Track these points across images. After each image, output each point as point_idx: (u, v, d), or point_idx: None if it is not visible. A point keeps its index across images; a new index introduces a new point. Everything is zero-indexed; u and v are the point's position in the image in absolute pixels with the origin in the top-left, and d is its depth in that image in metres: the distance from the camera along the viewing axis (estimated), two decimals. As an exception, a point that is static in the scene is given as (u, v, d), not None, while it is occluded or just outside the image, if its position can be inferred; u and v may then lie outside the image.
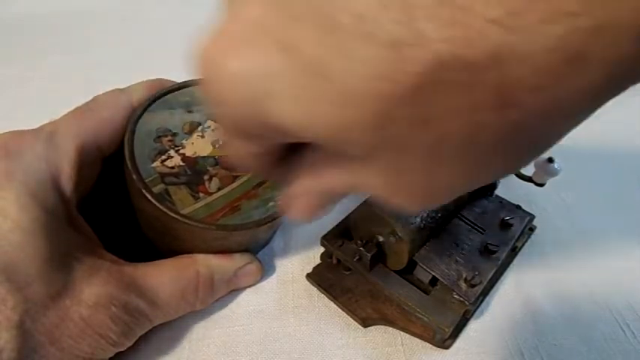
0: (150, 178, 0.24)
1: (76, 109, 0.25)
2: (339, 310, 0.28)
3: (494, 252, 0.27)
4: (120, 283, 0.22)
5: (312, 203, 0.17)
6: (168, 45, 0.55)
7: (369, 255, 0.26)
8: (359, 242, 0.27)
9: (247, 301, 0.28)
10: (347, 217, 0.30)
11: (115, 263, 0.23)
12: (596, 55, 0.10)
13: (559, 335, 0.26)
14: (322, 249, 0.30)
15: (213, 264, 0.26)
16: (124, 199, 0.26)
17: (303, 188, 0.17)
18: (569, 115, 0.12)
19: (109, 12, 0.63)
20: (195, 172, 0.25)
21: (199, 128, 0.27)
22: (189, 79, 0.28)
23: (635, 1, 0.09)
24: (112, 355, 0.23)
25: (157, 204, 0.23)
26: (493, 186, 0.31)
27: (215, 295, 0.27)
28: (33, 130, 0.23)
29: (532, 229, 0.32)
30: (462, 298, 0.25)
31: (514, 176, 0.27)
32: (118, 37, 0.58)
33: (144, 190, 0.23)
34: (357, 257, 0.27)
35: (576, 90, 0.11)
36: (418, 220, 0.26)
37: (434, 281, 0.26)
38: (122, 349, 0.23)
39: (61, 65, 0.52)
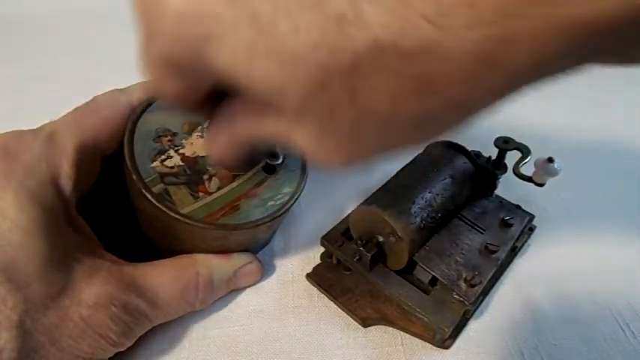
0: (149, 178, 0.24)
1: (76, 109, 0.25)
2: (339, 310, 0.28)
3: (494, 252, 0.27)
4: (120, 283, 0.22)
5: (232, 146, 0.18)
6: (168, 45, 0.55)
7: (369, 255, 0.26)
8: (359, 242, 0.26)
9: (247, 301, 0.28)
10: (347, 217, 0.30)
11: (115, 263, 0.23)
12: (504, 60, 0.12)
13: (559, 335, 0.26)
14: (322, 249, 0.30)
15: (213, 264, 0.26)
16: (123, 199, 0.26)
17: (227, 131, 0.17)
18: (477, 105, 0.14)
19: (109, 12, 0.63)
20: (194, 172, 0.25)
21: (199, 128, 0.27)
22: None
23: (530, 23, 0.11)
24: (112, 355, 0.23)
25: (157, 204, 0.23)
26: (493, 186, 0.31)
27: (215, 295, 0.27)
28: (33, 130, 0.23)
29: (532, 229, 0.32)
30: (461, 298, 0.25)
31: (514, 176, 0.27)
32: (118, 37, 0.57)
33: (144, 190, 0.23)
34: (357, 257, 0.27)
35: (485, 86, 0.13)
36: (418, 220, 0.26)
37: (434, 281, 0.26)
38: (122, 349, 0.23)
39: (61, 65, 0.52)
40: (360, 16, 0.11)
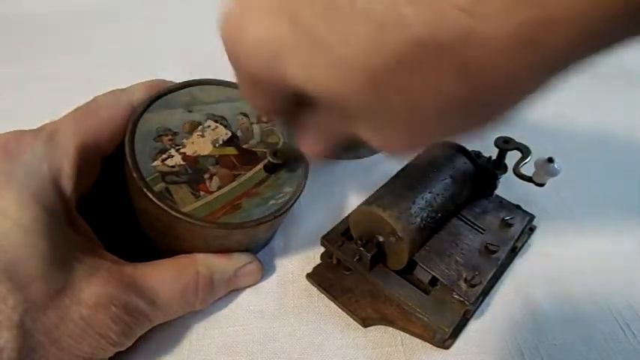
0: (150, 177, 0.24)
1: (76, 109, 0.25)
2: (339, 310, 0.28)
3: (495, 252, 0.27)
4: (120, 283, 0.22)
5: (319, 143, 0.20)
6: (168, 45, 0.55)
7: (369, 255, 0.26)
8: (359, 242, 0.26)
9: (247, 301, 0.28)
10: (347, 217, 0.30)
11: (115, 263, 0.23)
12: (545, 41, 0.12)
13: (559, 335, 0.26)
14: (322, 249, 0.30)
15: (213, 264, 0.26)
16: (124, 199, 0.26)
17: (311, 131, 0.20)
18: (522, 89, 0.14)
19: (109, 12, 0.63)
20: (195, 171, 0.25)
21: (199, 127, 0.27)
22: (189, 79, 0.28)
23: (571, 1, 0.11)
24: (112, 354, 0.23)
25: (158, 202, 0.23)
26: (493, 186, 0.31)
27: (215, 295, 0.27)
28: (33, 130, 0.23)
29: (532, 229, 0.32)
30: (462, 298, 0.25)
31: (514, 176, 0.27)
32: (118, 37, 0.58)
33: (145, 189, 0.23)
34: (357, 257, 0.27)
35: (527, 69, 0.13)
36: (418, 220, 0.26)
37: (434, 281, 0.26)
38: (122, 349, 0.23)
39: (61, 65, 0.52)
40: (400, 17, 0.12)
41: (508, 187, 0.31)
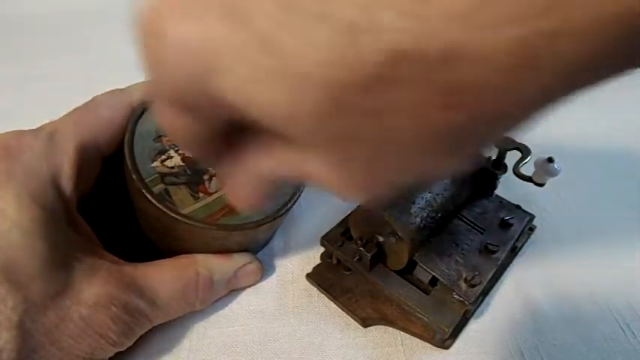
0: (150, 178, 0.24)
1: (76, 109, 0.25)
2: (339, 310, 0.28)
3: (494, 252, 0.27)
4: (120, 283, 0.22)
5: (253, 187, 0.16)
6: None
7: (369, 255, 0.26)
8: (359, 242, 0.26)
9: (247, 301, 0.28)
10: (347, 217, 0.30)
11: (115, 263, 0.23)
12: (549, 59, 0.10)
13: (559, 335, 0.26)
14: (322, 249, 0.30)
15: (213, 264, 0.26)
16: (124, 199, 0.26)
17: (246, 173, 0.16)
18: (515, 116, 0.12)
19: (109, 12, 0.63)
20: (195, 172, 0.25)
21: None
22: None
23: (591, 9, 0.09)
24: (111, 354, 0.23)
25: (157, 204, 0.23)
26: (493, 186, 0.31)
27: (215, 295, 0.27)
28: (33, 130, 0.23)
29: (532, 229, 0.32)
30: (462, 298, 0.25)
31: (514, 176, 0.27)
32: (118, 37, 0.58)
33: (144, 190, 0.23)
34: (357, 257, 0.27)
35: (526, 93, 0.11)
36: (418, 220, 0.26)
37: (434, 281, 0.26)
38: (122, 349, 0.23)
39: (61, 65, 0.52)
40: (374, 22, 0.10)
41: (508, 187, 0.31)
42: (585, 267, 0.30)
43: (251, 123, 0.12)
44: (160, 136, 0.26)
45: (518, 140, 0.28)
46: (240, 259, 0.27)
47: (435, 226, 0.27)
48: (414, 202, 0.26)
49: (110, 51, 0.55)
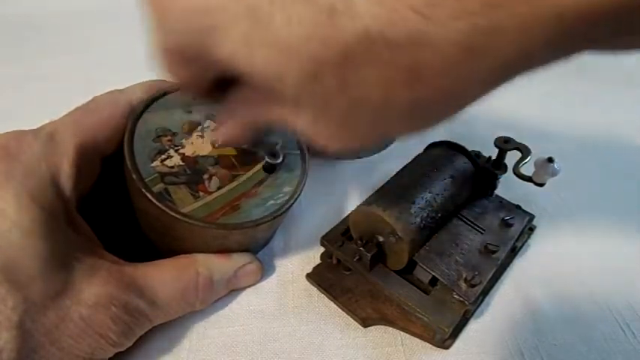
0: (150, 178, 0.24)
1: (76, 109, 0.25)
2: (339, 310, 0.28)
3: (494, 252, 0.27)
4: (120, 283, 0.22)
5: (240, 127, 0.19)
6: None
7: (369, 255, 0.26)
8: (359, 242, 0.26)
9: (247, 301, 0.28)
10: (347, 217, 0.30)
11: (115, 263, 0.23)
12: (490, 50, 0.12)
13: (559, 335, 0.26)
14: (322, 249, 0.30)
15: (213, 264, 0.26)
16: (124, 199, 0.26)
17: (235, 114, 0.19)
18: (466, 95, 0.14)
19: (109, 12, 0.63)
20: (194, 172, 0.25)
21: (199, 128, 0.27)
22: None
23: (516, 13, 0.11)
24: (111, 355, 0.23)
25: (157, 203, 0.23)
26: (493, 186, 0.31)
27: (215, 295, 0.27)
28: (33, 130, 0.23)
29: (532, 229, 0.32)
30: (462, 298, 0.25)
31: (514, 176, 0.27)
32: (118, 37, 0.58)
33: (144, 190, 0.23)
34: (357, 257, 0.27)
35: (473, 76, 0.13)
36: (418, 220, 0.26)
37: (434, 281, 0.26)
38: (122, 349, 0.23)
39: (61, 65, 0.52)
40: (350, 7, 0.12)
41: (508, 187, 0.31)
42: (585, 267, 0.30)
43: (242, 77, 0.15)
44: (160, 136, 0.26)
45: (518, 140, 0.28)
46: (240, 259, 0.27)
47: (435, 226, 0.27)
48: (414, 202, 0.26)
49: (110, 51, 0.55)
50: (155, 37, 0.16)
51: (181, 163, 0.25)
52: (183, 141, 0.26)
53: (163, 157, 0.25)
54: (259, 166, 0.27)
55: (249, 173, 0.27)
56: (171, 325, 0.26)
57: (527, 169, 0.27)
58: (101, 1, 0.64)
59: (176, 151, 0.26)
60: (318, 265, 0.30)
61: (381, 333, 0.27)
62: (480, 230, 0.28)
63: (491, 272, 0.26)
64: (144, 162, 0.24)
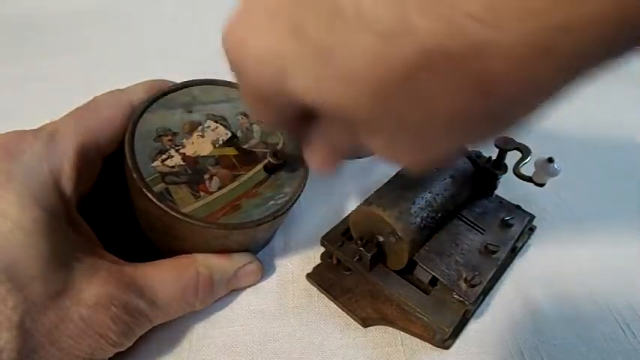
0: (150, 178, 0.24)
1: (76, 109, 0.25)
2: (339, 310, 0.28)
3: (495, 252, 0.27)
4: (120, 283, 0.22)
5: (327, 157, 0.20)
6: (168, 45, 0.55)
7: (369, 255, 0.26)
8: (359, 242, 0.26)
9: (247, 301, 0.28)
10: (347, 217, 0.30)
11: (115, 263, 0.23)
12: (561, 49, 0.12)
13: (559, 335, 0.26)
14: (322, 249, 0.30)
15: (213, 264, 0.26)
16: (124, 199, 0.26)
17: (319, 144, 0.20)
18: (537, 99, 0.14)
19: (109, 12, 0.63)
20: (195, 172, 0.25)
21: (199, 128, 0.27)
22: (189, 79, 0.28)
23: (590, 7, 0.11)
24: (111, 355, 0.23)
25: (158, 203, 0.23)
26: (493, 186, 0.31)
27: (215, 295, 0.27)
28: (33, 130, 0.23)
29: (532, 229, 0.32)
30: (462, 298, 0.25)
31: (514, 176, 0.27)
32: (118, 37, 0.58)
33: (144, 190, 0.23)
34: (357, 257, 0.27)
35: (544, 78, 0.13)
36: (418, 220, 0.26)
37: (434, 281, 0.26)
38: (122, 349, 0.23)
39: (61, 65, 0.52)
40: (407, 26, 0.12)
41: (508, 187, 0.31)
42: (585, 267, 0.30)
43: (319, 111, 0.16)
44: (161, 136, 0.26)
45: (518, 140, 0.28)
46: (240, 259, 0.27)
47: (435, 226, 0.27)
48: (414, 202, 0.26)
49: (110, 51, 0.55)
50: (238, 81, 0.18)
51: (182, 162, 0.25)
52: (184, 141, 0.26)
53: (164, 156, 0.25)
54: (260, 167, 0.27)
55: (250, 173, 0.27)
56: (171, 325, 0.26)
57: (528, 169, 0.27)
58: (101, 1, 0.64)
59: (177, 150, 0.26)
60: (318, 265, 0.30)
61: (381, 333, 0.27)
62: (480, 230, 0.28)
63: (492, 272, 0.26)
64: (144, 162, 0.24)
